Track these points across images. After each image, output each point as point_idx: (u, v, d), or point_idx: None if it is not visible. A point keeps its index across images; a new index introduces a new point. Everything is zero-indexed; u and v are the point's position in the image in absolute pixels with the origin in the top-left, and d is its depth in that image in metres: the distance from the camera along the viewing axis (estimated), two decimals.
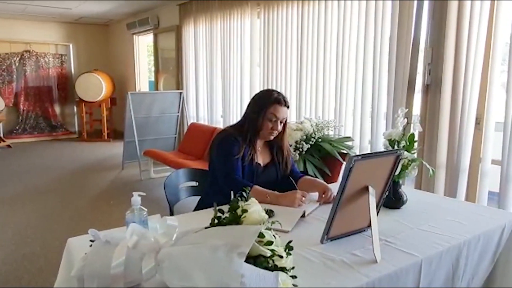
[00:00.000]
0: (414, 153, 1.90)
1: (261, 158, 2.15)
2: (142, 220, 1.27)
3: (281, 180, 2.18)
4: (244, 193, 1.25)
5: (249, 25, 5.10)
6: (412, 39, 3.15)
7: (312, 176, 2.74)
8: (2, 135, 8.16)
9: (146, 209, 1.31)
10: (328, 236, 1.46)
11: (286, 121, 2.13)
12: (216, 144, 2.11)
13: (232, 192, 1.29)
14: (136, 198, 1.29)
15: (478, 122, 2.85)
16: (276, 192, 1.95)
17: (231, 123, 2.25)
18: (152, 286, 1.04)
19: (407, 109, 2.21)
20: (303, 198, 1.88)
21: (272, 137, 2.11)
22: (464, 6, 2.79)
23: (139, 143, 5.63)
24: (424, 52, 3.09)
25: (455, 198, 2.81)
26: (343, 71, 3.85)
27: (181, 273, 0.98)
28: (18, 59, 8.57)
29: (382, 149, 2.00)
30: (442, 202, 2.08)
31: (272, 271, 1.03)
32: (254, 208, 1.20)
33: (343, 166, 3.22)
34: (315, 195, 2.03)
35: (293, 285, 1.09)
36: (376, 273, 1.25)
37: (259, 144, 2.15)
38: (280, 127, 2.09)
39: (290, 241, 1.15)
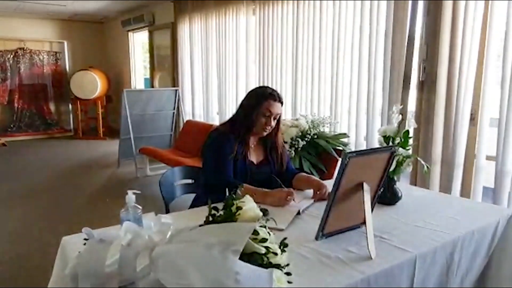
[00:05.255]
0: (409, 149, 1.91)
1: (255, 156, 2.14)
2: (136, 218, 1.27)
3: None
4: (234, 193, 1.24)
5: (244, 22, 5.08)
6: (407, 36, 3.15)
7: (307, 173, 2.74)
8: None
9: (140, 207, 1.30)
10: (323, 233, 1.46)
11: (279, 117, 2.12)
12: (207, 143, 2.10)
13: (224, 191, 1.28)
14: (130, 196, 1.28)
15: (473, 118, 2.86)
16: (264, 189, 1.92)
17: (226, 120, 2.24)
18: (146, 284, 1.04)
19: (401, 106, 2.21)
20: (289, 197, 1.82)
21: (265, 133, 2.09)
22: (459, 3, 2.79)
23: (134, 141, 5.62)
24: (419, 49, 3.09)
25: (450, 194, 2.82)
26: (338, 68, 3.85)
27: (176, 271, 0.98)
28: (12, 56, 8.50)
29: (377, 146, 2.00)
30: (437, 198, 2.10)
31: (267, 268, 1.03)
32: (249, 206, 1.20)
33: (339, 163, 3.22)
34: (310, 192, 2.03)
35: (288, 282, 1.09)
36: (371, 270, 1.26)
37: (252, 141, 2.14)
38: (273, 123, 2.08)
39: (285, 238, 1.15)
